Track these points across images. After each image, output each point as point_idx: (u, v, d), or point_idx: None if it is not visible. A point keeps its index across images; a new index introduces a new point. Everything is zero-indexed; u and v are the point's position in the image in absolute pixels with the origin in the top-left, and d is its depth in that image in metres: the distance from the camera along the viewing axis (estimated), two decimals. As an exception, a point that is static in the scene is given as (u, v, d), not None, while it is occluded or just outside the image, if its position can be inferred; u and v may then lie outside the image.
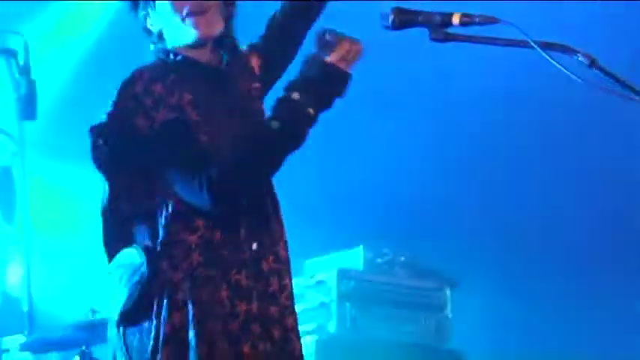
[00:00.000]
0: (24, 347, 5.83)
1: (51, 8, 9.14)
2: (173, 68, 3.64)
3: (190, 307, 3.50)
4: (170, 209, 3.63)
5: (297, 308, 6.23)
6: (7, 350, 5.93)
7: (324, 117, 3.62)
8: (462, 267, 8.06)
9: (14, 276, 6.63)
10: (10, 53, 5.41)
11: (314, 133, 3.67)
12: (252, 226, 3.76)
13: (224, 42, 3.83)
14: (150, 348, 3.48)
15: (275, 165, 3.63)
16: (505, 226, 8.80)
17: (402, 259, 7.38)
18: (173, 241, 3.57)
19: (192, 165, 3.59)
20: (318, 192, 7.80)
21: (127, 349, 3.62)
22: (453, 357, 7.45)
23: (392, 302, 7.38)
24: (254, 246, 3.77)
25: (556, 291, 8.95)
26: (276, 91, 3.84)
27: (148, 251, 3.60)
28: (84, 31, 9.47)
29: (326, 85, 3.52)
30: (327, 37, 3.60)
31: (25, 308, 5.77)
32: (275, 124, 3.49)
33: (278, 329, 3.76)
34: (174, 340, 3.49)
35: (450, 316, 7.44)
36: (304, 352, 3.98)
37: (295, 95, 3.47)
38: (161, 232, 3.59)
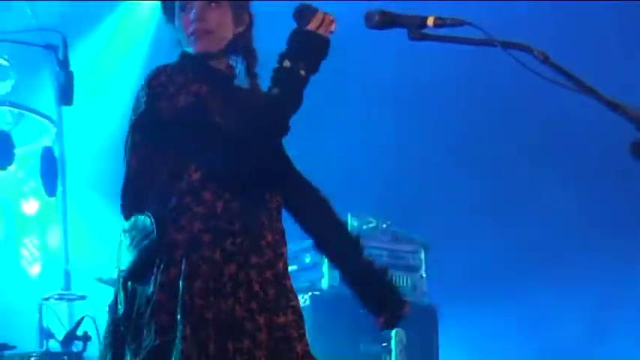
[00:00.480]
0: (60, 297, 6.00)
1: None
2: (191, 68, 3.66)
3: (184, 263, 3.51)
4: (183, 183, 3.63)
5: (293, 268, 6.27)
6: (47, 299, 5.91)
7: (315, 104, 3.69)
8: (434, 232, 7.83)
9: (54, 240, 6.76)
10: (52, 48, 5.53)
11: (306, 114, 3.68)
12: (250, 201, 3.75)
13: (237, 54, 3.84)
14: (149, 291, 3.53)
15: (283, 127, 3.68)
16: (473, 196, 8.60)
17: (384, 226, 7.35)
18: (181, 209, 3.59)
19: (211, 136, 3.63)
20: (315, 167, 7.77)
21: (127, 293, 3.68)
22: (428, 311, 7.30)
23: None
24: (237, 225, 3.73)
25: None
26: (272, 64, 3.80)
27: (159, 217, 3.64)
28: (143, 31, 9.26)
29: (310, 49, 3.58)
30: (304, 11, 3.65)
31: (63, 266, 6.15)
32: (275, 91, 3.53)
33: (274, 289, 3.72)
34: (168, 288, 3.51)
35: (424, 275, 7.35)
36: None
37: (287, 63, 3.52)
38: (173, 201, 3.60)
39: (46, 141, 6.31)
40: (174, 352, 3.51)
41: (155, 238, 3.60)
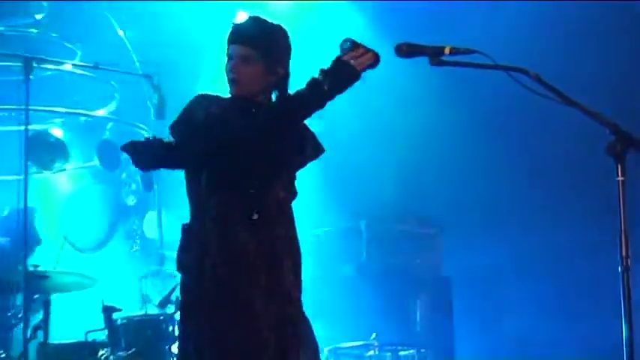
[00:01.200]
0: (153, 274, 6.34)
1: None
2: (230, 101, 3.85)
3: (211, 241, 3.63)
4: (214, 183, 3.69)
5: (343, 246, 6.95)
6: (146, 277, 6.22)
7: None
8: (452, 218, 8.04)
9: (150, 226, 7.16)
10: (149, 77, 6.01)
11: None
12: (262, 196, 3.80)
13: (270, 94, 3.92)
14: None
15: (292, 118, 3.75)
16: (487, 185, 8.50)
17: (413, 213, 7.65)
18: (212, 203, 3.68)
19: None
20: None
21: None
22: (444, 281, 7.61)
23: (405, 243, 7.51)
24: (255, 216, 3.79)
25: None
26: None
27: (198, 209, 3.75)
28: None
29: (338, 74, 3.60)
30: (346, 43, 3.70)
31: (158, 249, 6.63)
32: (300, 91, 3.58)
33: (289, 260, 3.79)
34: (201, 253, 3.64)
35: (442, 253, 7.63)
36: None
37: (318, 77, 3.55)
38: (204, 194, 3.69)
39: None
40: None
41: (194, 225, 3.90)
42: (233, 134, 3.69)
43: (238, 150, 3.68)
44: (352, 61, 3.65)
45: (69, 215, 6.89)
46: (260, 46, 3.84)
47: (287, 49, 3.93)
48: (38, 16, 6.69)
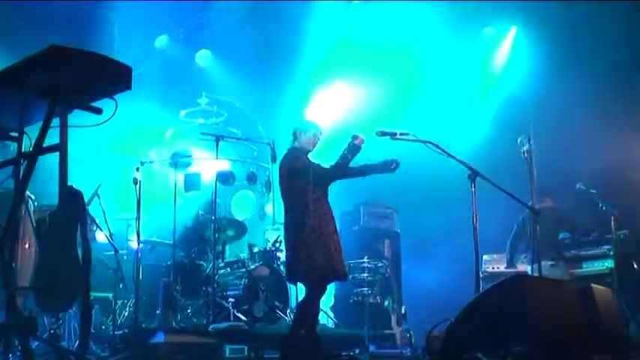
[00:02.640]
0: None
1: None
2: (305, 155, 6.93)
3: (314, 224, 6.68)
4: (308, 195, 6.73)
5: (348, 220, 9.98)
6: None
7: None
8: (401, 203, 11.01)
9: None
10: (270, 144, 8.51)
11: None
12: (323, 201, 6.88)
13: None
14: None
15: (340, 174, 6.99)
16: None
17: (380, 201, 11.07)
18: (313, 207, 6.73)
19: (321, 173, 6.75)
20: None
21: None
22: (397, 234, 10.93)
23: (379, 216, 11.01)
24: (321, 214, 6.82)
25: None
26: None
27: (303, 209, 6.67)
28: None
29: (352, 151, 6.74)
30: (352, 137, 6.68)
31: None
32: (340, 161, 6.76)
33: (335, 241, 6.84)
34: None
35: (396, 221, 11.10)
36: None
37: (346, 155, 6.71)
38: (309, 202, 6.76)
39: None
40: None
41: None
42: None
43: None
44: (356, 142, 6.71)
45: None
46: None
47: None
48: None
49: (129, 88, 4.28)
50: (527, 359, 4.72)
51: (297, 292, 8.53)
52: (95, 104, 4.48)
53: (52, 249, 4.91)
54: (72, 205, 4.67)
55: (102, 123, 4.49)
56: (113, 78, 4.21)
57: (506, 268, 9.81)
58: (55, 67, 4.09)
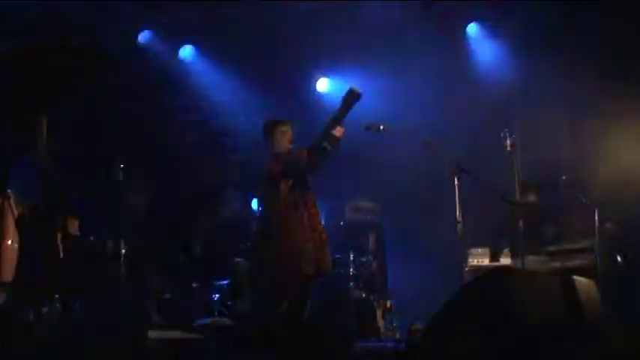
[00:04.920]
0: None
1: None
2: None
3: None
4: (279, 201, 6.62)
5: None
6: None
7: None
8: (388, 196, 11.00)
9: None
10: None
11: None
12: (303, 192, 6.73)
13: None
14: None
15: (320, 163, 6.64)
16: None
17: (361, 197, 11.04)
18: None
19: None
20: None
21: None
22: (380, 225, 11.04)
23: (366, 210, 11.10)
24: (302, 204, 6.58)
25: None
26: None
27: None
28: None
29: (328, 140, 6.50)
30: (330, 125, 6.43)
31: None
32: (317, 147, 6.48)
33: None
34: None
35: (380, 215, 11.15)
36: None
37: (324, 143, 6.47)
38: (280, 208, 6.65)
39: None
40: None
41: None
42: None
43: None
44: (335, 133, 6.54)
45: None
46: None
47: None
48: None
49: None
50: (508, 352, 4.68)
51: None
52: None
53: (32, 244, 4.84)
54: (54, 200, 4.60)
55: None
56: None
57: (490, 262, 9.78)
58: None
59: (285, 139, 7.01)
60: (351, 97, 6.43)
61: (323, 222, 7.46)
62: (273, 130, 7.05)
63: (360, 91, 6.44)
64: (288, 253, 6.59)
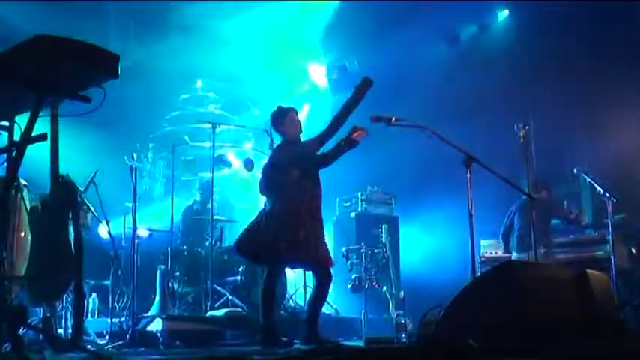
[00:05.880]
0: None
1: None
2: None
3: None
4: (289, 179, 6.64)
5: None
6: None
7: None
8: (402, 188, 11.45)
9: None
10: (267, 132, 8.41)
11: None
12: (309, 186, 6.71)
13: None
14: None
15: (333, 161, 6.77)
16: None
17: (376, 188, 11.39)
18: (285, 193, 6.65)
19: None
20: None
21: None
22: (394, 219, 11.20)
23: (381, 201, 11.46)
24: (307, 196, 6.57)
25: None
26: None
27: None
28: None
29: (349, 144, 6.60)
30: (353, 129, 6.52)
31: None
32: (331, 154, 6.64)
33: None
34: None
35: (394, 206, 11.48)
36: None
37: (342, 145, 6.57)
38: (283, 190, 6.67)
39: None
40: None
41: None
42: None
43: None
44: (354, 136, 6.53)
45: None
46: None
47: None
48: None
49: (116, 76, 4.23)
50: (520, 345, 4.66)
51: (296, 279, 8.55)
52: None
53: (43, 237, 4.87)
54: (63, 193, 4.64)
55: (91, 112, 4.41)
56: (100, 66, 4.17)
57: (503, 252, 9.79)
58: (40, 57, 4.05)
59: (295, 126, 7.01)
60: (365, 85, 6.52)
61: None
62: (284, 117, 7.03)
63: (365, 132, 6.65)
64: (280, 222, 6.73)
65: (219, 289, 9.08)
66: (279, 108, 6.98)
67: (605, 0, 9.75)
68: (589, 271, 5.94)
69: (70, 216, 4.89)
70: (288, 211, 6.61)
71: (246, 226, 6.81)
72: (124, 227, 9.40)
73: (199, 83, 10.97)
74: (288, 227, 6.60)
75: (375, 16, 10.88)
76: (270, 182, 6.77)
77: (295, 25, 11.29)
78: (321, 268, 6.81)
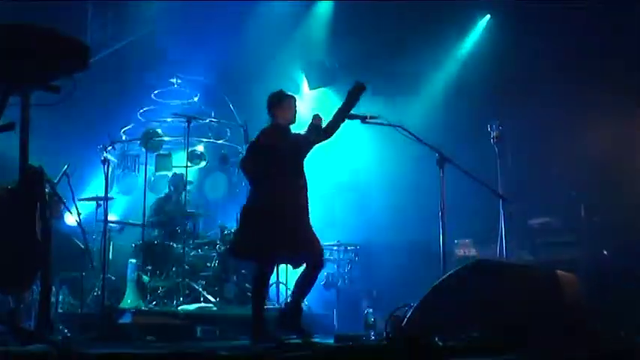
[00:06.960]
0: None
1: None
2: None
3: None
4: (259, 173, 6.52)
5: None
6: None
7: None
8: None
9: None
10: (243, 126, 9.05)
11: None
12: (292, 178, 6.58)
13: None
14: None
15: (310, 148, 6.65)
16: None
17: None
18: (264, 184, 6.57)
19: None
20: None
21: None
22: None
23: None
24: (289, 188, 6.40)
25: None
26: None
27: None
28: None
29: (316, 130, 6.62)
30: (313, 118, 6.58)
31: None
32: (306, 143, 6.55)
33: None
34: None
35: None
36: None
37: (308, 135, 6.54)
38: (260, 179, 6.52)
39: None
40: None
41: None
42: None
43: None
44: (316, 121, 6.70)
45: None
46: None
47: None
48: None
49: (85, 66, 4.14)
50: (487, 344, 4.66)
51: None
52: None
53: (10, 228, 4.82)
54: (31, 183, 4.56)
55: (60, 102, 4.34)
56: (66, 55, 4.08)
57: (477, 253, 9.80)
58: (7, 46, 3.98)
59: (290, 112, 6.92)
60: (358, 90, 6.53)
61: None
62: (283, 100, 6.96)
63: (321, 117, 6.66)
64: (269, 217, 6.62)
65: (192, 283, 9.01)
66: (281, 91, 6.93)
67: (576, 1, 9.81)
68: (559, 271, 5.94)
69: (38, 206, 4.76)
70: (274, 205, 6.54)
71: (234, 230, 6.68)
72: (96, 218, 9.34)
73: (175, 79, 10.81)
74: (278, 222, 6.53)
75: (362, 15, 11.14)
76: (256, 161, 6.72)
77: (275, 22, 11.54)
78: (317, 257, 6.80)
